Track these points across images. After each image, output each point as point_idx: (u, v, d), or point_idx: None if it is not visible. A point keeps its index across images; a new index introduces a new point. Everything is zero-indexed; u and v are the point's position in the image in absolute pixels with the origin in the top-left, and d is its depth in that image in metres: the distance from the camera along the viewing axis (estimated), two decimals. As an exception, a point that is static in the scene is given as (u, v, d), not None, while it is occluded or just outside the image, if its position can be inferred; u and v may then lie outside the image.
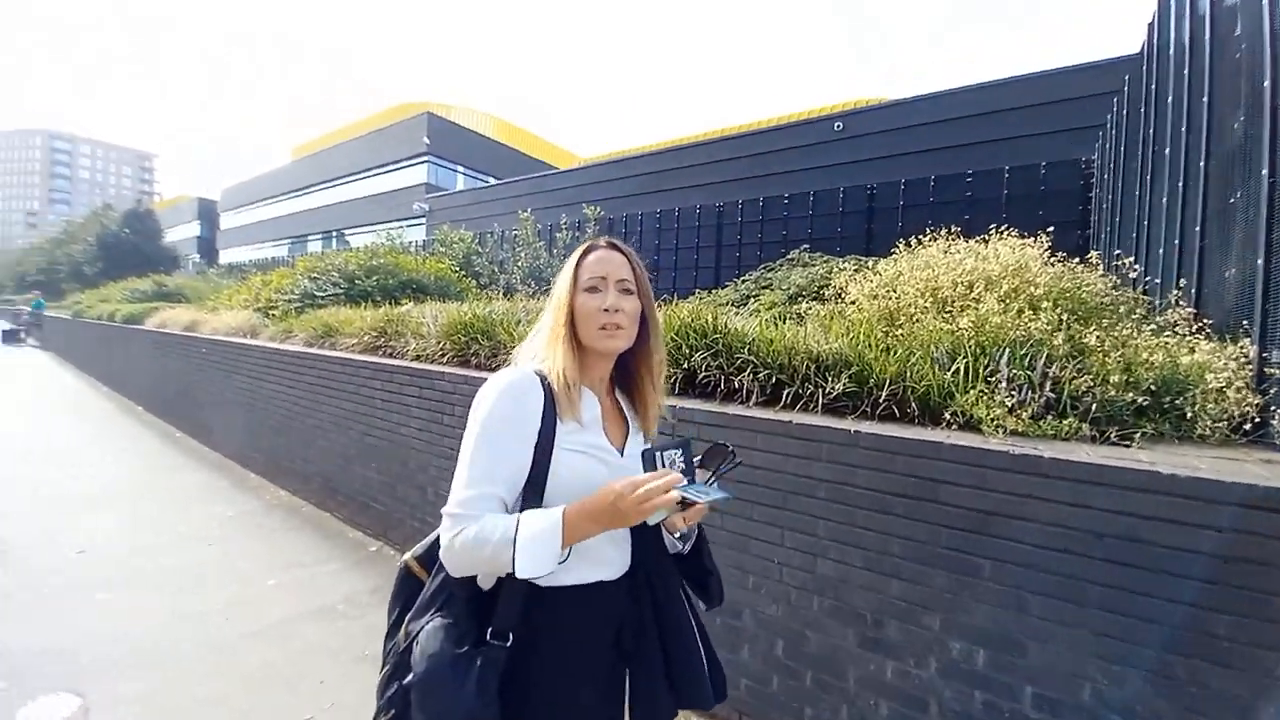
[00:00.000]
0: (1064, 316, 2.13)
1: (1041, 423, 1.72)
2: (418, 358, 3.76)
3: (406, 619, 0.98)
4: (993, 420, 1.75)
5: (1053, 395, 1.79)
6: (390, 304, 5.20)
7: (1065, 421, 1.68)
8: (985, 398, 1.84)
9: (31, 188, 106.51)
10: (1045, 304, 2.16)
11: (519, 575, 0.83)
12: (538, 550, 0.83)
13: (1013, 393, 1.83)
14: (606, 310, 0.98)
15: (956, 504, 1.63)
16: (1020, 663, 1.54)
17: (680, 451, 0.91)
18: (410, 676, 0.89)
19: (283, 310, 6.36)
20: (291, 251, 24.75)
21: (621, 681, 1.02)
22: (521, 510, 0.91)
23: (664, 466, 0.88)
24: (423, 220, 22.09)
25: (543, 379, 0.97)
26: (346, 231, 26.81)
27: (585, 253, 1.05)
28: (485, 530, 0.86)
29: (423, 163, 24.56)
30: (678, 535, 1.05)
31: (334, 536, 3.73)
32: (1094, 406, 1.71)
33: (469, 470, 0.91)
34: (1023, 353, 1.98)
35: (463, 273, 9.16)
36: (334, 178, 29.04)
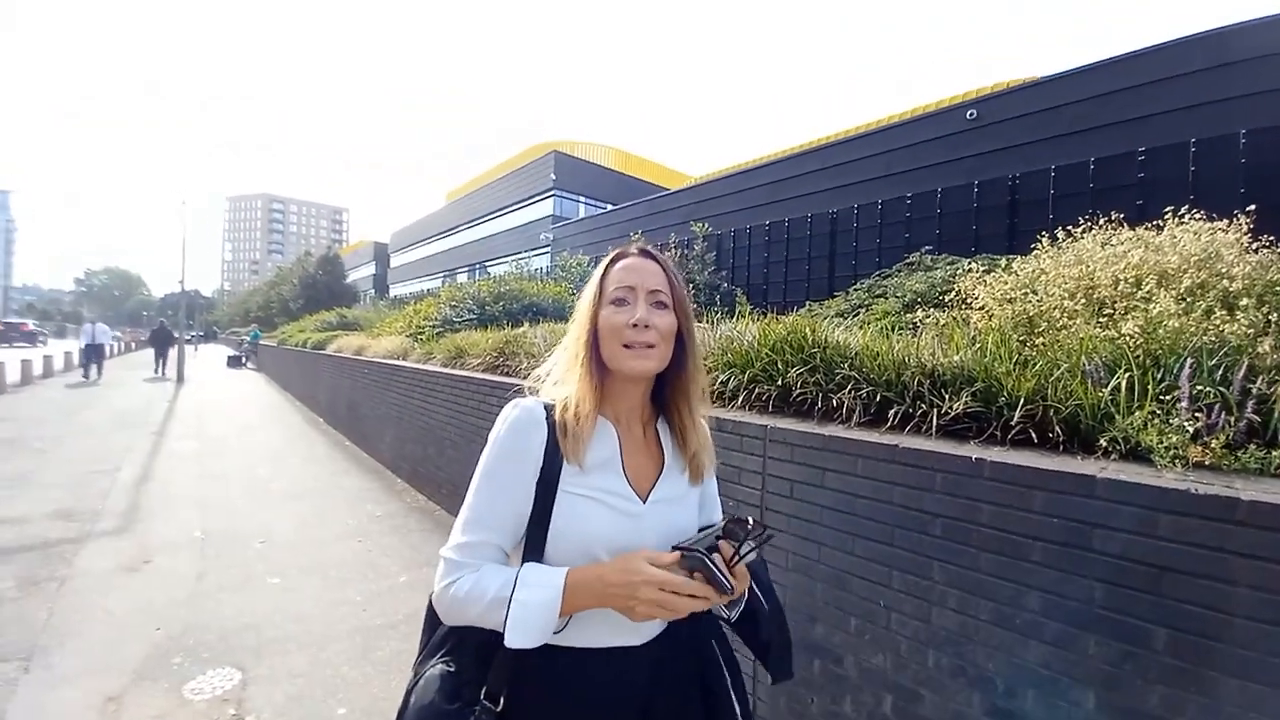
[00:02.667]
0: (1273, 316, 1.65)
1: (1240, 454, 1.34)
2: (529, 376, 3.99)
3: (417, 659, 0.92)
4: (1168, 449, 1.40)
5: (1257, 418, 1.39)
6: (511, 326, 5.62)
7: (1276, 452, 1.29)
8: (1157, 420, 1.48)
9: (254, 241, 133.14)
10: (1245, 301, 1.69)
11: (508, 645, 0.75)
12: (529, 621, 0.75)
13: (1197, 414, 1.45)
14: (634, 326, 0.84)
15: (1116, 554, 1.31)
16: (1209, 765, 1.18)
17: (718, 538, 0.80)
18: None
19: (427, 335, 7.17)
20: (445, 283, 28.01)
21: None
22: (524, 554, 0.84)
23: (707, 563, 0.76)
24: (548, 249, 23.77)
25: (549, 412, 0.87)
26: (488, 263, 29.70)
27: (613, 261, 0.92)
28: (481, 585, 0.78)
29: (549, 197, 26.57)
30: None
31: (458, 542, 4.05)
32: (1323, 434, 1.30)
33: (468, 513, 0.85)
34: (1213, 363, 1.57)
35: (577, 294, 9.64)
36: (477, 216, 32.50)
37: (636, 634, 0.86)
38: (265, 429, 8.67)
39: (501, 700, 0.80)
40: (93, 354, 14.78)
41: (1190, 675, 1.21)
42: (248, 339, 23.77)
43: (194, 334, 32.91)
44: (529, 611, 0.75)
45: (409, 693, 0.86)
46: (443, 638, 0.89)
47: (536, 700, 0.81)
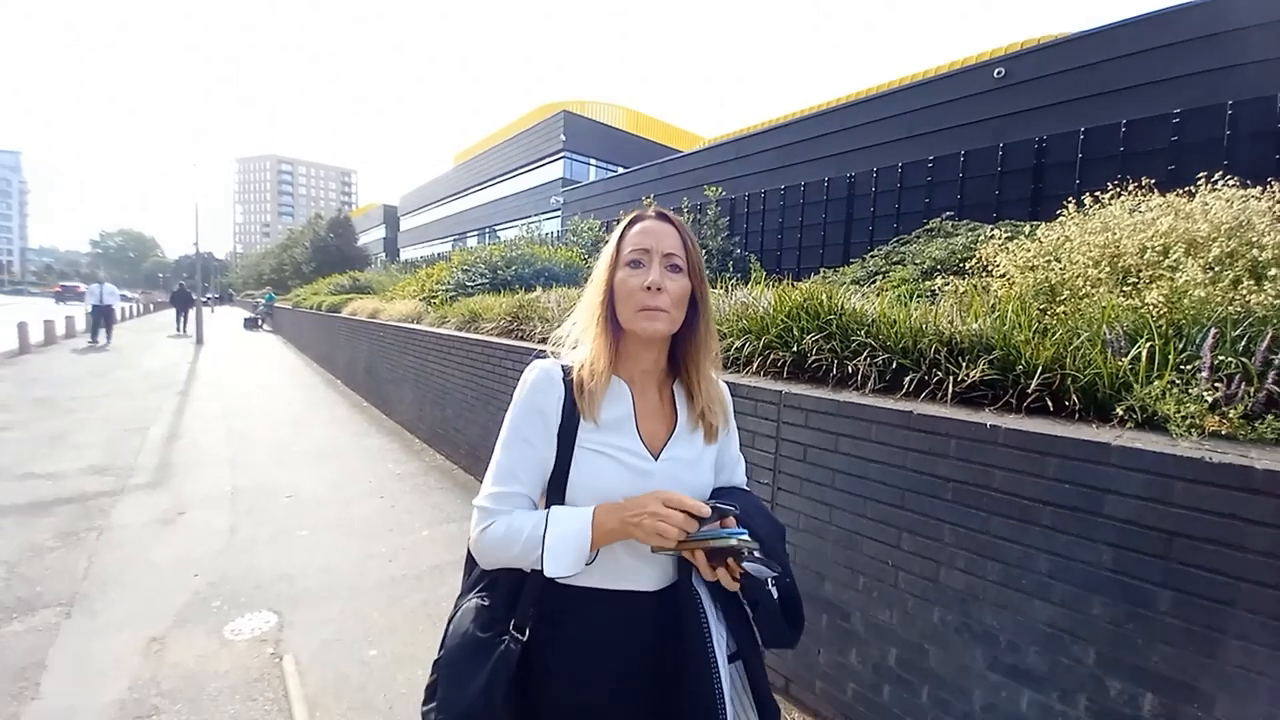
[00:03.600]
0: (1304, 287, 1.63)
1: (1259, 424, 1.34)
2: (543, 340, 4.02)
3: (458, 596, 1.00)
4: (1184, 419, 1.41)
5: (1278, 389, 1.39)
6: (524, 291, 5.63)
7: (1296, 423, 1.30)
8: (1175, 390, 1.49)
9: (264, 203, 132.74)
10: (1274, 271, 1.66)
11: (547, 574, 0.82)
12: (565, 551, 0.82)
13: (1217, 384, 1.45)
14: (648, 288, 0.87)
15: (1127, 520, 1.34)
16: (1201, 716, 1.24)
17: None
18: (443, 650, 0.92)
19: (441, 299, 7.21)
20: (455, 247, 27.89)
21: (656, 704, 0.90)
22: (547, 504, 0.90)
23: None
24: (559, 212, 23.47)
25: (566, 372, 0.92)
26: (498, 227, 29.43)
27: (630, 223, 0.94)
28: (514, 527, 0.85)
29: (560, 158, 26.02)
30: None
31: (476, 500, 4.18)
32: (1345, 405, 1.30)
33: (496, 467, 0.90)
34: (1237, 333, 1.55)
35: (589, 258, 9.58)
36: (487, 179, 32.00)
37: (642, 580, 0.92)
38: (285, 390, 8.86)
39: (527, 631, 0.87)
40: (101, 316, 13.63)
41: (1194, 635, 1.25)
42: (263, 301, 23.98)
43: (210, 296, 33.26)
44: (564, 542, 0.82)
45: (449, 621, 0.96)
46: (478, 577, 0.98)
47: (556, 633, 0.88)
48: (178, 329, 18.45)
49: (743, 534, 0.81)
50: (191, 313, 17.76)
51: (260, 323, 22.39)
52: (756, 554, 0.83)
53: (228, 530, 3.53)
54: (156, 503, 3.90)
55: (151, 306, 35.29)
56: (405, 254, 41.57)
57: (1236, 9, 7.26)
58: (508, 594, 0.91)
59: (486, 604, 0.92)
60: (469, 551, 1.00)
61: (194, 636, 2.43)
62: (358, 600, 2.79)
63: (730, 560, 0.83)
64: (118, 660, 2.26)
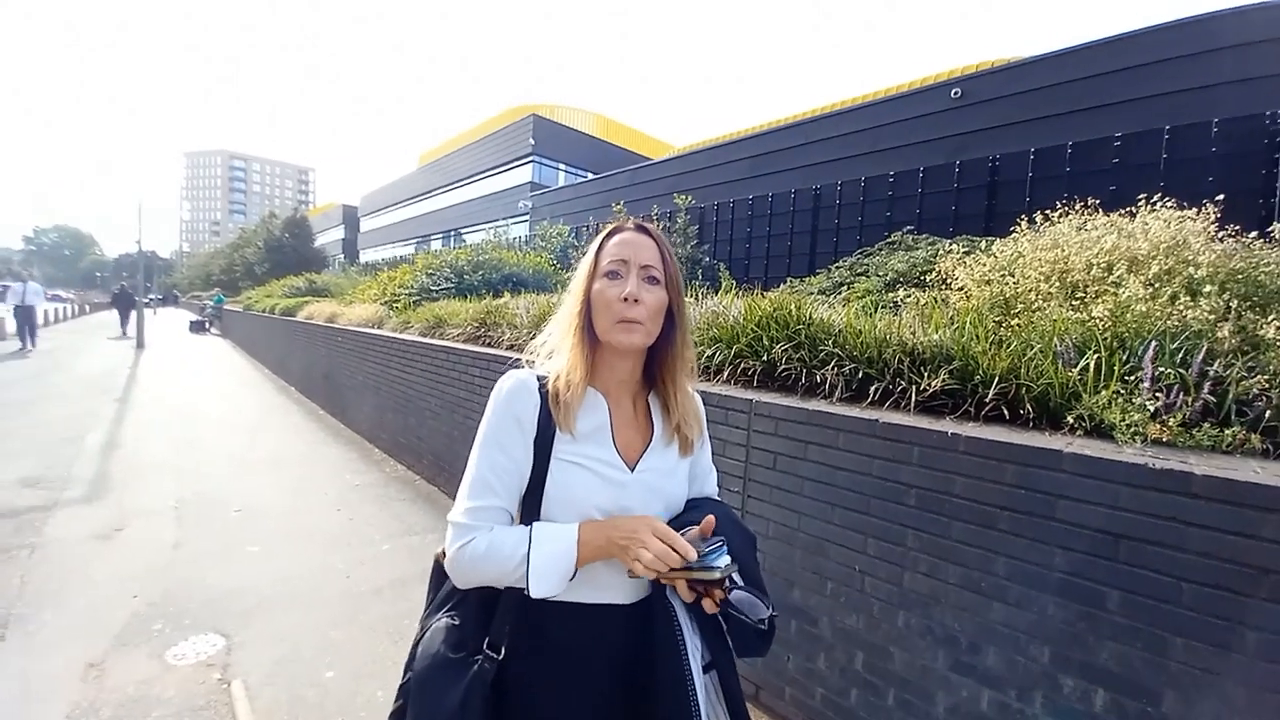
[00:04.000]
0: (1233, 303, 1.75)
1: (1195, 431, 1.43)
2: (511, 347, 3.97)
3: (423, 613, 0.97)
4: (1129, 426, 1.49)
5: (1213, 398, 1.48)
6: (492, 297, 5.55)
7: (1228, 431, 1.39)
8: (1121, 400, 1.57)
9: (214, 200, 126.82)
10: (1208, 288, 1.78)
11: (532, 594, 0.81)
12: (550, 571, 0.81)
13: (1158, 394, 1.54)
14: (625, 300, 0.87)
15: (1078, 523, 1.41)
16: (1151, 711, 1.31)
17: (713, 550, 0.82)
18: (409, 673, 0.89)
19: (403, 303, 7.02)
20: (418, 250, 27.25)
21: (635, 718, 0.89)
22: (521, 517, 0.88)
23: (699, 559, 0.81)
24: (527, 217, 23.27)
25: (541, 382, 0.91)
26: (463, 230, 28.93)
27: (609, 235, 0.93)
28: (495, 544, 0.83)
29: (528, 163, 25.82)
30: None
31: (442, 509, 4.07)
32: (1269, 413, 1.40)
33: (472, 480, 0.88)
34: (1175, 346, 1.66)
35: (559, 265, 9.52)
36: (452, 181, 31.43)
37: (619, 593, 0.90)
38: (235, 397, 8.46)
39: (502, 650, 0.85)
40: (23, 317, 12.47)
41: (1140, 633, 1.32)
42: (210, 303, 22.90)
43: (152, 297, 31.44)
44: (550, 562, 0.81)
45: (415, 644, 0.92)
46: (447, 594, 0.95)
47: (532, 650, 0.86)
48: (121, 332, 17.69)
49: (723, 557, 0.80)
50: (133, 315, 17.03)
51: (208, 326, 21.37)
52: (739, 584, 0.83)
53: (171, 545, 3.33)
54: (94, 516, 3.66)
55: (88, 308, 33.22)
56: (365, 256, 40.39)
57: (1175, 40, 7.84)
58: (479, 611, 0.89)
59: (457, 623, 0.90)
60: (435, 567, 0.97)
61: (135, 661, 2.28)
62: (313, 617, 2.67)
63: (711, 590, 0.82)
64: (55, 686, 2.11)
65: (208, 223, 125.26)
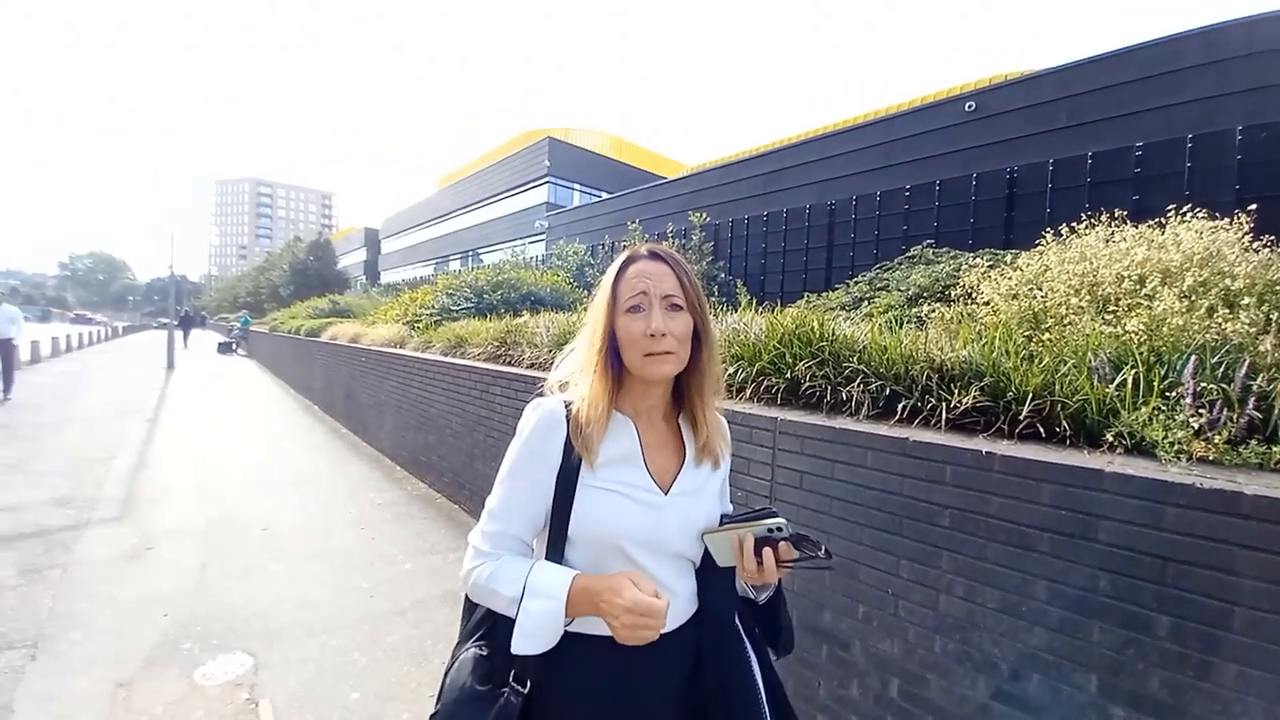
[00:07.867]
0: (1273, 315, 1.70)
1: (1242, 449, 1.38)
2: (532, 366, 4.00)
3: (456, 643, 0.97)
4: (1172, 444, 1.44)
5: (1258, 414, 1.43)
6: (511, 316, 5.61)
7: (1276, 448, 1.34)
8: (1162, 416, 1.53)
9: (242, 226, 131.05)
10: (1247, 300, 1.73)
11: (514, 651, 0.80)
12: (535, 633, 0.80)
13: (1200, 410, 1.49)
14: (652, 335, 0.85)
15: (1122, 545, 1.36)
16: (1211, 747, 1.24)
17: (770, 527, 0.85)
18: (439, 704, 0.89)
19: (425, 323, 7.14)
20: (437, 270, 27.75)
21: None
22: (549, 545, 0.88)
23: (738, 545, 0.86)
24: (543, 236, 23.61)
25: (568, 409, 0.90)
26: (481, 251, 29.45)
27: (624, 266, 0.92)
28: (498, 577, 0.84)
29: (544, 184, 26.34)
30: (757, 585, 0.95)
31: (462, 527, 4.08)
32: (1322, 430, 1.34)
33: (493, 505, 0.90)
34: (1215, 360, 1.61)
35: (576, 284, 9.61)
36: (471, 203, 32.18)
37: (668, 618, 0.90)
38: (261, 416, 8.61)
39: (529, 683, 0.83)
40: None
41: (1191, 661, 1.26)
42: (238, 325, 23.48)
43: (167, 320, 31.93)
44: (535, 620, 0.81)
45: (446, 674, 0.93)
46: (478, 622, 0.94)
47: (561, 684, 0.85)
48: (184, 344, 21.94)
49: (776, 519, 0.85)
50: (195, 332, 20.78)
51: (235, 347, 21.89)
52: (787, 533, 0.86)
53: (198, 565, 3.38)
54: (122, 536, 3.73)
55: (120, 330, 34.26)
56: (386, 277, 41.24)
57: (1188, 51, 7.75)
58: (509, 641, 0.88)
59: (485, 654, 0.89)
60: (466, 596, 0.98)
61: (163, 681, 2.30)
62: (338, 638, 2.67)
63: (769, 548, 0.85)
64: (84, 706, 2.13)
65: (235, 247, 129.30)
